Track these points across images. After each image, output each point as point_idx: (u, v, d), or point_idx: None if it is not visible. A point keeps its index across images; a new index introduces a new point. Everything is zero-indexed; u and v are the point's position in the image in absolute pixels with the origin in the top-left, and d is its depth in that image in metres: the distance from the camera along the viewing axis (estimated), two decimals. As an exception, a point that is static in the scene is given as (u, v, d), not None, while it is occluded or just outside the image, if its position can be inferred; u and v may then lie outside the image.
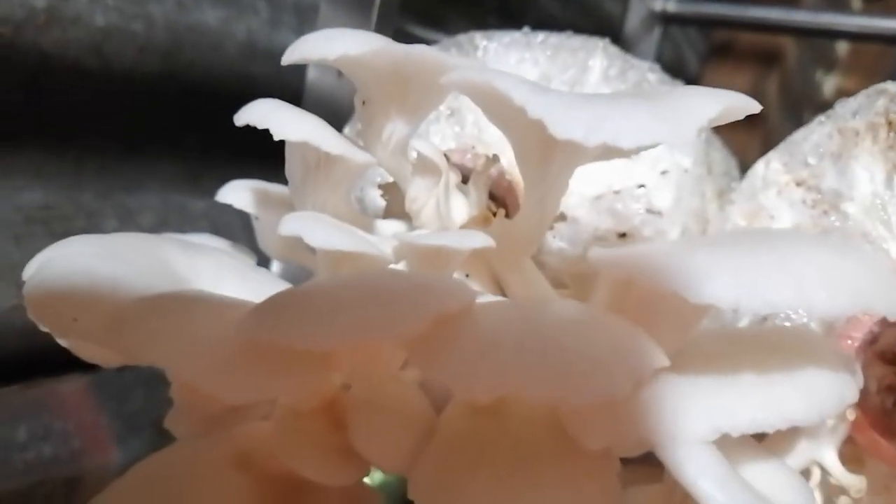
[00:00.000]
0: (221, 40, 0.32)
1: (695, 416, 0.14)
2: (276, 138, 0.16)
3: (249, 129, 0.33)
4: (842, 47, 0.96)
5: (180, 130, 0.32)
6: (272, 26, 0.34)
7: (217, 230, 0.35)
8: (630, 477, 0.19)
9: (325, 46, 0.15)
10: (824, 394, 0.15)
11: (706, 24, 0.62)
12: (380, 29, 0.31)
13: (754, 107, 0.16)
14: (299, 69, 0.34)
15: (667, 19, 0.54)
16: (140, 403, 0.32)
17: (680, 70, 0.73)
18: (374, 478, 0.29)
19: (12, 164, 0.27)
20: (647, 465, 0.22)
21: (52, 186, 0.29)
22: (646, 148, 0.14)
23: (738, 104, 0.15)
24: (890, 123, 0.20)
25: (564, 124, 0.13)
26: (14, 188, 0.27)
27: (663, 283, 0.13)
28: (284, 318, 0.13)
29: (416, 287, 0.13)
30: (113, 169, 0.30)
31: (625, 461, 0.17)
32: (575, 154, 0.15)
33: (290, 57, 0.17)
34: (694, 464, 0.14)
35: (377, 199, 0.24)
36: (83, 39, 0.27)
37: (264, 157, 0.23)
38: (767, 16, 0.53)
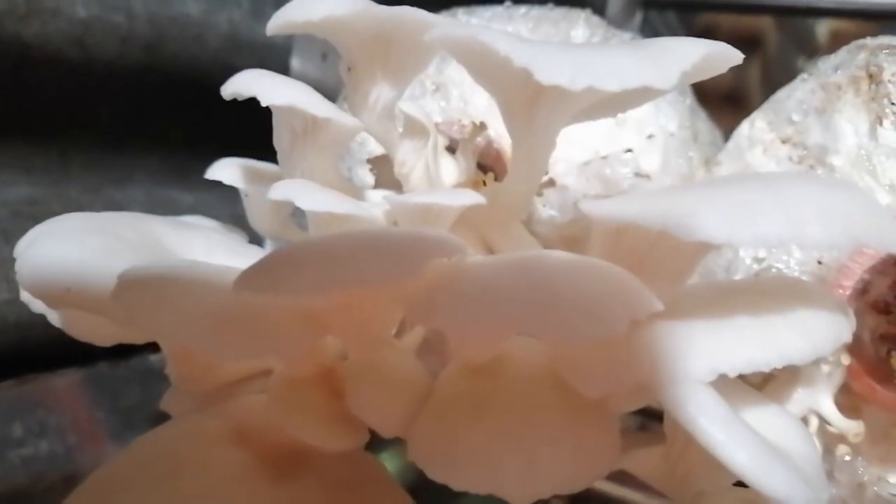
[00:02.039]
0: (204, 31, 0.32)
1: (692, 356, 0.14)
2: (262, 104, 0.16)
3: (236, 121, 0.33)
4: (822, 33, 0.97)
5: (166, 123, 0.32)
6: (254, 17, 0.34)
7: (207, 223, 0.35)
8: (630, 441, 0.20)
9: (310, 8, 0.15)
10: (820, 332, 0.15)
11: (686, 7, 0.63)
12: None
13: (736, 56, 0.16)
14: (283, 58, 0.34)
15: (647, 4, 0.54)
16: (135, 398, 0.32)
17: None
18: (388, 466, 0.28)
19: (-3, 159, 0.27)
20: (647, 431, 0.22)
21: (38, 181, 0.28)
22: (631, 94, 0.14)
23: (721, 52, 0.15)
24: (871, 76, 0.20)
25: (550, 69, 0.13)
26: (0, 183, 0.27)
27: (654, 224, 0.13)
28: (277, 270, 0.13)
29: (408, 236, 0.13)
30: (100, 162, 0.30)
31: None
32: (561, 104, 0.15)
33: (274, 24, 0.17)
34: (693, 403, 0.14)
35: (366, 177, 0.24)
36: (64, 31, 0.27)
37: (251, 148, 0.23)
38: (747, -3, 0.54)
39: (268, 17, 0.35)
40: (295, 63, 0.33)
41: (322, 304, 0.15)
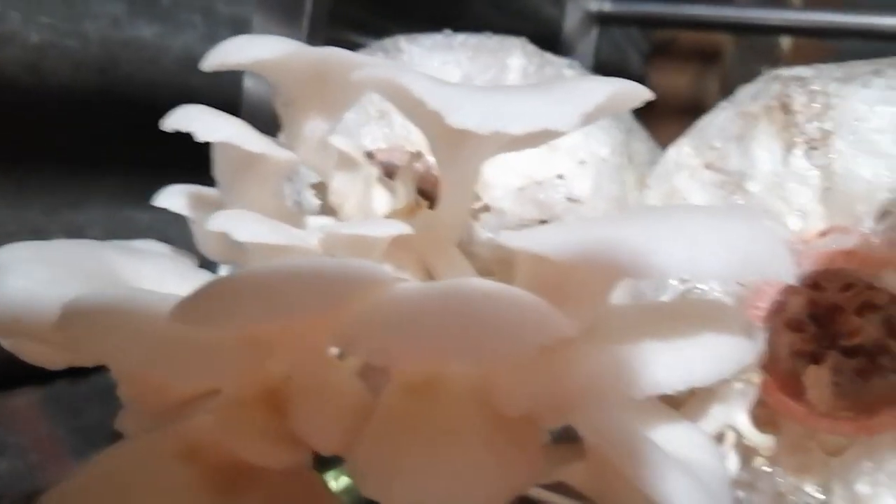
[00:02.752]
0: (158, 54, 0.33)
1: (601, 380, 0.15)
2: (198, 140, 0.17)
3: (191, 142, 0.34)
4: (785, 42, 0.99)
5: (123, 144, 0.33)
6: (209, 40, 0.35)
7: (166, 241, 0.35)
8: (570, 453, 0.21)
9: (240, 52, 0.16)
10: (723, 356, 0.16)
11: (642, 23, 0.64)
12: (311, 38, 0.32)
13: (645, 94, 0.17)
14: (236, 79, 0.34)
15: (603, 20, 0.56)
16: (96, 416, 0.33)
17: (623, 70, 0.75)
18: (339, 482, 0.29)
19: (-46, 184, 0.28)
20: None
21: (-5, 204, 0.29)
22: (539, 134, 0.15)
23: (628, 91, 0.16)
24: (783, 106, 0.21)
25: (459, 114, 0.14)
26: (-44, 208, 0.28)
27: (565, 258, 0.14)
28: (210, 302, 0.14)
29: (335, 267, 0.14)
30: (57, 185, 0.31)
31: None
32: (478, 143, 0.16)
33: (208, 63, 0.17)
34: (602, 424, 0.15)
35: (313, 200, 0.24)
36: (18, 57, 0.27)
37: (208, 168, 0.23)
38: (702, 13, 0.55)
39: (221, 39, 0.36)
40: (248, 83, 0.34)
41: (262, 330, 0.16)
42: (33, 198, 0.30)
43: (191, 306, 0.14)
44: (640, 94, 0.16)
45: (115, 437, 0.21)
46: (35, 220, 0.30)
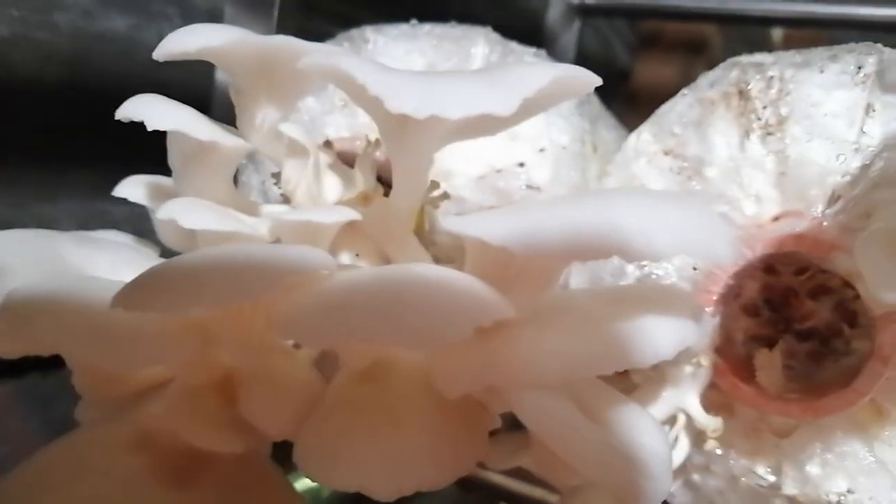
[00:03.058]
0: (131, 47, 0.33)
1: (538, 361, 0.15)
2: (148, 129, 0.17)
3: (164, 134, 0.34)
4: (776, 33, 0.99)
5: (96, 137, 0.33)
6: (183, 31, 0.35)
7: (141, 234, 0.35)
8: (520, 441, 0.21)
9: (185, 41, 0.16)
10: (663, 337, 0.16)
11: (625, 14, 0.64)
12: (282, 28, 0.32)
13: (593, 80, 0.17)
14: (208, 72, 0.35)
15: (585, 11, 0.56)
16: (67, 409, 0.33)
17: (607, 62, 0.75)
18: (301, 483, 0.29)
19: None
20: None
21: (-36, 197, 0.29)
22: (480, 119, 0.15)
23: (574, 75, 0.16)
24: (741, 92, 0.21)
25: (398, 99, 0.14)
26: (-75, 200, 0.28)
27: (497, 241, 0.14)
28: (148, 288, 0.14)
29: (271, 253, 0.14)
30: (27, 178, 0.31)
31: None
32: (426, 129, 0.16)
33: (158, 53, 0.17)
34: (534, 407, 0.15)
35: (277, 189, 0.24)
36: (-14, 50, 0.28)
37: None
38: (684, 4, 0.55)
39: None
40: (220, 76, 0.34)
41: (203, 315, 0.16)
42: (3, 191, 0.30)
43: (128, 293, 0.14)
44: (588, 80, 0.17)
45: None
46: (5, 213, 0.30)
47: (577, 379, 0.15)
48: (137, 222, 0.35)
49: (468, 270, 0.17)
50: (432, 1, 0.51)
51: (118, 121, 0.34)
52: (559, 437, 0.14)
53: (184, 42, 0.16)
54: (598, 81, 0.18)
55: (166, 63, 0.35)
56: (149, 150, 0.35)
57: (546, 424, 0.15)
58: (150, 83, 0.33)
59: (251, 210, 0.20)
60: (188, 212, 0.17)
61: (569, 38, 0.56)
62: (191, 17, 0.35)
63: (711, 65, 0.75)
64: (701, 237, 0.15)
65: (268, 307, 0.16)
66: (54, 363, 0.33)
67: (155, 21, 0.34)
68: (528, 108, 0.16)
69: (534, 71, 0.16)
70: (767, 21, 0.64)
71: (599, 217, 0.14)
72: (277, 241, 0.18)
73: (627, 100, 0.71)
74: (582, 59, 0.60)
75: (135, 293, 0.14)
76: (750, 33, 0.92)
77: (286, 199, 0.23)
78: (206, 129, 0.17)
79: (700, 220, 0.15)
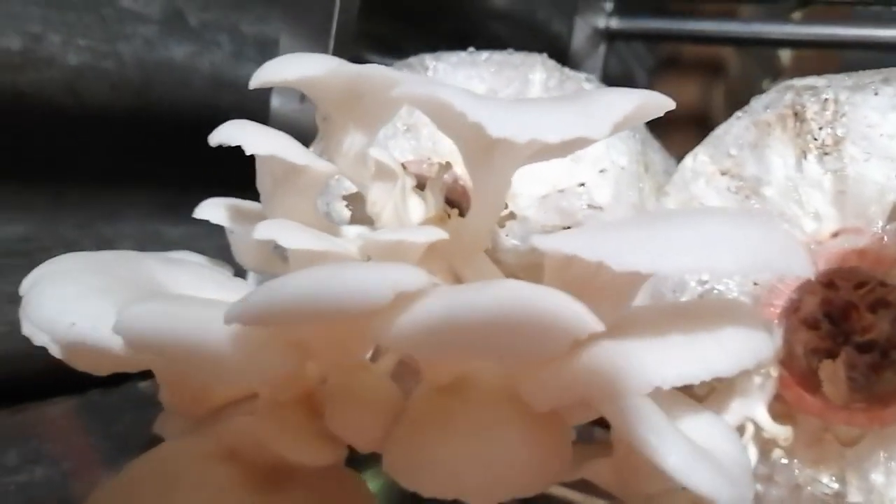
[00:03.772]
0: (188, 75, 0.34)
1: (628, 371, 0.16)
2: (246, 153, 0.18)
3: (220, 159, 0.35)
4: (785, 56, 1.00)
5: (155, 161, 0.34)
6: (235, 59, 0.36)
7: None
8: (591, 451, 0.21)
9: (285, 70, 0.17)
10: (742, 348, 0.16)
11: (648, 38, 0.65)
12: (337, 56, 0.33)
13: (668, 104, 0.18)
14: (263, 98, 0.36)
15: (611, 36, 0.57)
16: (127, 425, 0.34)
17: (629, 84, 0.76)
18: (371, 486, 0.30)
19: (-6, 199, 0.29)
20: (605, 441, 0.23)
21: (32, 219, 0.30)
22: (572, 143, 0.16)
23: (653, 101, 0.17)
24: (796, 114, 0.22)
25: (498, 125, 0.15)
26: (-3, 222, 0.29)
27: (591, 256, 0.15)
28: (263, 302, 0.15)
29: (378, 269, 0.15)
30: (91, 200, 0.32)
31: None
32: (511, 153, 0.17)
33: (254, 82, 0.18)
34: (629, 414, 0.15)
35: (343, 211, 0.25)
36: (57, 79, 0.29)
37: (233, 184, 0.24)
38: (706, 28, 0.56)
39: (248, 59, 0.37)
40: (275, 102, 0.35)
41: (304, 333, 0.17)
42: (68, 213, 0.31)
43: (243, 309, 0.15)
44: (663, 103, 0.17)
45: (148, 444, 0.21)
46: (69, 234, 0.31)
47: (665, 387, 0.16)
48: (190, 243, 0.36)
49: (547, 284, 0.18)
50: (468, 29, 0.52)
51: (176, 147, 0.35)
52: (650, 444, 0.15)
53: (283, 71, 0.17)
54: (673, 105, 0.18)
55: (222, 90, 0.36)
56: (202, 174, 0.36)
57: (639, 431, 0.15)
58: (208, 108, 0.35)
59: (333, 231, 0.20)
60: (286, 232, 0.18)
61: (594, 62, 0.57)
62: (242, 45, 0.36)
63: (730, 86, 0.76)
64: (780, 255, 0.16)
65: (364, 323, 0.17)
66: (114, 380, 0.34)
67: (208, 50, 0.35)
68: (610, 134, 0.17)
69: (621, 97, 0.16)
70: (788, 44, 0.65)
71: (690, 236, 0.15)
72: (368, 259, 0.19)
73: (649, 122, 0.72)
74: (606, 83, 0.61)
75: (253, 309, 0.15)
76: (760, 57, 0.94)
77: (354, 222, 0.24)
78: (301, 154, 0.18)
79: (778, 238, 0.16)
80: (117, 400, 0.33)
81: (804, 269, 0.16)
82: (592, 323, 0.16)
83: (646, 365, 0.16)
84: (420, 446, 0.17)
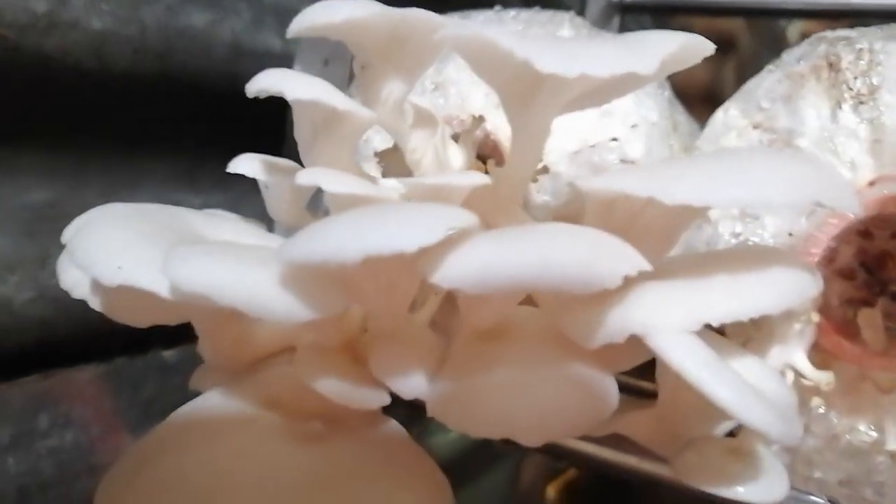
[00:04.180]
0: (209, 42, 0.34)
1: (677, 307, 0.16)
2: (288, 99, 0.18)
3: (240, 127, 0.35)
4: (793, 34, 1.00)
5: (175, 129, 0.34)
6: (255, 27, 0.36)
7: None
8: (624, 405, 0.21)
9: (332, 13, 0.17)
10: (788, 286, 0.17)
11: (663, 11, 0.65)
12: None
13: (709, 47, 0.18)
14: (285, 65, 0.35)
15: (624, 8, 0.57)
16: (152, 392, 0.34)
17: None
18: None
19: (20, 164, 0.29)
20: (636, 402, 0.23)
21: (57, 185, 0.30)
22: (620, 80, 0.16)
23: (695, 43, 0.17)
24: (831, 65, 0.22)
25: (548, 60, 0.15)
26: (22, 187, 0.29)
27: (642, 192, 0.15)
28: (316, 240, 0.15)
29: (429, 208, 0.15)
30: (114, 167, 0.32)
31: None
32: (556, 93, 0.17)
33: (296, 28, 0.18)
34: (681, 349, 0.16)
35: (373, 171, 0.25)
36: (82, 42, 0.29)
37: (254, 152, 0.24)
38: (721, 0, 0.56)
39: (267, 27, 0.37)
40: (297, 69, 0.35)
41: (353, 274, 0.17)
42: (92, 179, 0.31)
43: (296, 246, 0.15)
44: (705, 47, 0.17)
45: (171, 410, 0.21)
46: (93, 202, 0.31)
47: (715, 324, 0.16)
48: (211, 213, 0.36)
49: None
50: (481, 2, 0.52)
51: (197, 114, 0.35)
52: (704, 376, 0.15)
53: (329, 14, 0.17)
54: (713, 49, 0.19)
55: (242, 57, 0.36)
56: (222, 143, 0.36)
57: (690, 366, 0.15)
58: (228, 76, 0.35)
59: (372, 181, 0.20)
60: (329, 177, 0.18)
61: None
62: (262, 13, 0.36)
63: (740, 62, 0.76)
64: (829, 189, 0.16)
65: (410, 267, 0.17)
66: (140, 347, 0.34)
67: (228, 17, 0.35)
68: (658, 72, 0.17)
69: (666, 36, 0.16)
70: (801, 14, 0.65)
71: (739, 171, 0.15)
72: (410, 205, 0.19)
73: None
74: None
75: (306, 246, 0.15)
76: (771, 33, 0.94)
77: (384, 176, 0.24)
78: (343, 100, 0.18)
79: (825, 173, 0.16)
80: (142, 367, 0.33)
81: (852, 204, 0.16)
82: (640, 262, 0.16)
83: (695, 301, 0.16)
84: (465, 388, 0.17)
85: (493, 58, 0.16)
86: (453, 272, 0.15)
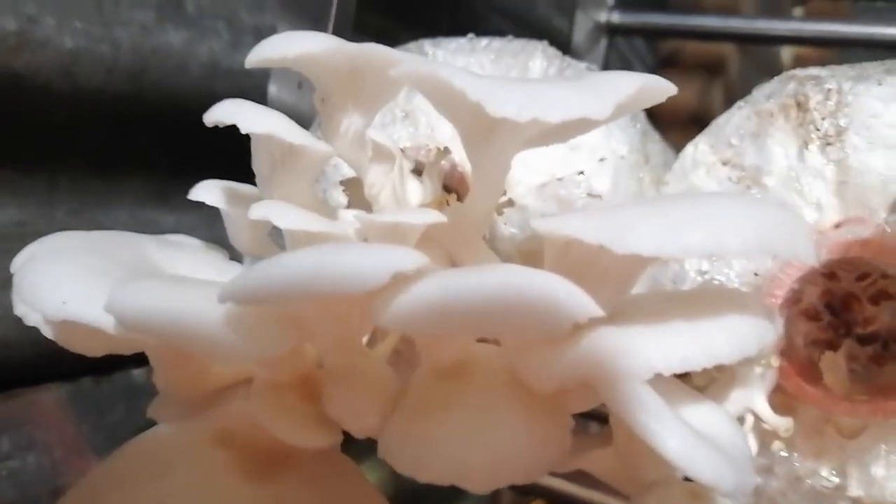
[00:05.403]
0: (185, 61, 0.34)
1: (631, 356, 0.15)
2: (243, 132, 0.18)
3: (216, 146, 0.35)
4: (786, 55, 1.01)
5: (149, 148, 0.34)
6: (233, 47, 0.36)
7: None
8: (588, 442, 0.21)
9: (286, 47, 0.17)
10: (745, 334, 0.16)
11: (649, 33, 0.65)
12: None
13: (670, 88, 0.18)
14: (261, 85, 0.35)
15: (611, 30, 0.57)
16: (119, 414, 0.33)
17: (629, 81, 0.76)
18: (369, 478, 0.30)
19: (-13, 183, 0.28)
20: (602, 433, 0.23)
21: (26, 204, 0.30)
22: (574, 123, 0.15)
23: (655, 85, 0.17)
24: (799, 104, 0.22)
25: (499, 103, 0.15)
26: (-11, 207, 0.29)
27: (592, 238, 0.15)
28: (258, 280, 0.14)
29: (376, 250, 0.15)
30: (85, 186, 0.32)
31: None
32: (512, 134, 0.17)
33: (252, 59, 0.18)
34: (631, 399, 0.15)
35: (340, 198, 0.25)
36: (53, 61, 0.28)
37: (228, 172, 0.24)
38: (707, 24, 0.56)
39: (246, 47, 0.36)
40: (272, 90, 0.35)
41: (301, 312, 0.17)
42: (62, 198, 0.31)
43: (238, 287, 0.15)
44: (665, 88, 0.17)
45: (140, 432, 0.21)
46: (63, 221, 0.31)
47: (667, 373, 0.15)
48: (184, 231, 0.36)
49: (547, 268, 0.18)
50: (468, 22, 0.52)
51: (171, 134, 0.35)
52: (651, 429, 0.15)
53: (283, 48, 0.17)
54: (675, 90, 0.18)
55: (219, 77, 0.36)
56: (197, 163, 0.36)
57: (639, 415, 0.15)
58: (203, 96, 0.34)
59: (330, 214, 0.20)
60: (281, 213, 0.17)
61: (595, 57, 0.57)
62: (240, 33, 0.36)
63: (729, 84, 0.76)
64: (786, 237, 0.15)
65: (362, 304, 0.16)
66: (106, 369, 0.33)
67: (206, 37, 0.35)
68: (613, 116, 0.17)
69: (623, 78, 0.16)
70: (790, 41, 0.65)
71: (694, 217, 0.15)
72: (365, 241, 0.18)
73: (648, 119, 0.72)
74: (606, 79, 0.61)
75: (249, 286, 0.15)
76: (762, 56, 0.94)
77: (351, 208, 0.24)
78: (299, 134, 0.18)
79: (785, 221, 0.16)
80: (108, 389, 0.33)
81: (809, 254, 0.16)
82: (591, 307, 0.15)
83: (648, 349, 0.16)
84: (418, 430, 0.17)
85: (449, 97, 0.16)
86: (401, 314, 0.15)
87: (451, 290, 0.14)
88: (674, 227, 0.15)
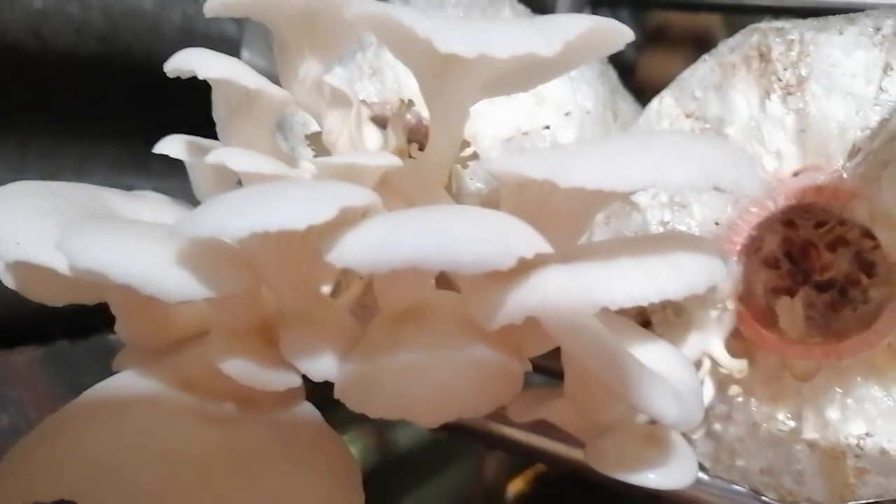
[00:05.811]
0: (158, 24, 0.34)
1: (576, 291, 0.15)
2: (199, 77, 0.18)
3: (191, 111, 0.35)
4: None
5: (123, 112, 0.34)
6: (207, 10, 0.36)
7: (164, 210, 0.36)
8: (548, 393, 0.21)
9: (237, -11, 0.17)
10: (693, 270, 0.16)
11: (634, 4, 0.65)
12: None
13: (627, 33, 0.18)
14: (234, 51, 0.35)
15: (595, 2, 0.56)
16: (95, 377, 0.33)
17: (615, 57, 0.75)
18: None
19: (-43, 145, 0.28)
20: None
21: (-3, 167, 0.30)
22: (523, 60, 0.15)
23: (607, 26, 0.17)
24: (761, 55, 0.22)
25: (446, 39, 0.15)
26: (-41, 169, 0.29)
27: (538, 174, 0.15)
28: (207, 216, 0.14)
29: (324, 186, 0.15)
30: (57, 151, 0.32)
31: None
32: (465, 74, 0.17)
33: (211, 5, 0.18)
34: (579, 334, 0.15)
35: (308, 155, 0.25)
36: (21, 21, 0.28)
37: (205, 135, 0.24)
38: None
39: (221, 11, 0.36)
40: (245, 55, 0.35)
41: (251, 251, 0.17)
42: (34, 162, 0.31)
43: (188, 222, 0.15)
44: (622, 32, 0.17)
45: None
46: (37, 184, 0.31)
47: (613, 308, 0.15)
48: (161, 197, 0.36)
49: (503, 210, 0.18)
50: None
51: (145, 97, 0.35)
52: (605, 364, 0.15)
53: (236, -9, 0.17)
54: (631, 36, 0.18)
55: (193, 40, 0.35)
56: (171, 127, 0.36)
57: (588, 348, 0.15)
58: (177, 59, 0.34)
59: (290, 161, 0.20)
60: (236, 156, 0.17)
61: (578, 28, 0.57)
62: (214, -3, 0.36)
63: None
64: (731, 169, 0.15)
65: (314, 245, 0.16)
66: (82, 330, 0.33)
67: (179, 0, 0.35)
68: (567, 58, 0.17)
69: (574, 18, 0.16)
70: (773, 11, 0.65)
71: (637, 150, 0.15)
72: (321, 185, 0.18)
73: (634, 94, 0.72)
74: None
75: (197, 221, 0.15)
76: (748, 25, 0.94)
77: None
78: (254, 79, 0.18)
79: (728, 153, 0.16)
80: (84, 351, 0.33)
81: (753, 185, 0.16)
82: (538, 242, 0.15)
83: (593, 284, 0.16)
84: (369, 367, 0.17)
85: (402, 38, 0.16)
86: (347, 251, 0.15)
87: (399, 229, 0.14)
88: (618, 161, 0.15)
